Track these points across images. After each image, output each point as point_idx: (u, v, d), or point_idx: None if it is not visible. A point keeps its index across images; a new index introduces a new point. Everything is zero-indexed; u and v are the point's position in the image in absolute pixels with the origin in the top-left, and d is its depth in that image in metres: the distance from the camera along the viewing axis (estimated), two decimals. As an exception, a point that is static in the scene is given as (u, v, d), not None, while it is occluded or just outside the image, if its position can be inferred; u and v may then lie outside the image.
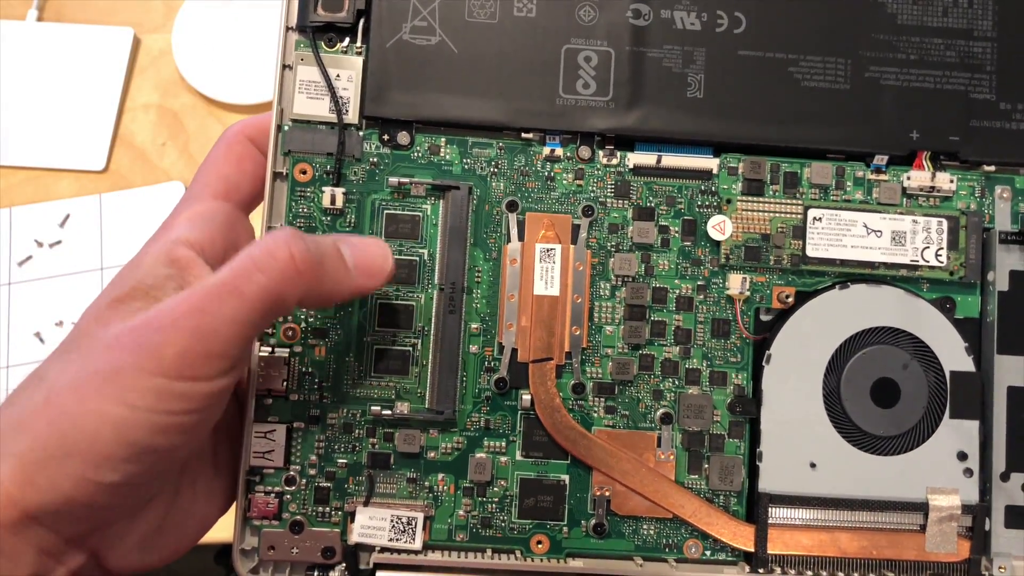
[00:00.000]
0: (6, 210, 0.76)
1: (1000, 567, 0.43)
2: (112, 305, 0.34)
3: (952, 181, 0.44)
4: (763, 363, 0.43)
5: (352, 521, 0.42)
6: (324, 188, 0.42)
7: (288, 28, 0.43)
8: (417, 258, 0.43)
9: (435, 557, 0.42)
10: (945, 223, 0.44)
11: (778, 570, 0.42)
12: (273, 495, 0.42)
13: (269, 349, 0.42)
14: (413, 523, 0.42)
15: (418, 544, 0.41)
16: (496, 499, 0.42)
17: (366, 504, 0.42)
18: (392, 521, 0.42)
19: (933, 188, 0.44)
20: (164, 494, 0.37)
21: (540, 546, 0.42)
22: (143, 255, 0.36)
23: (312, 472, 0.42)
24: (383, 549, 0.41)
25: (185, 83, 0.75)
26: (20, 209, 0.76)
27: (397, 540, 0.41)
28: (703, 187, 0.44)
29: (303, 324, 0.42)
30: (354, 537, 0.41)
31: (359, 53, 0.43)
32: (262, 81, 0.76)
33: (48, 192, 0.77)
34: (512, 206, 0.43)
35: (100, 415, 0.32)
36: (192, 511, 0.39)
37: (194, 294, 0.33)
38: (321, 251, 0.35)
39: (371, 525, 0.41)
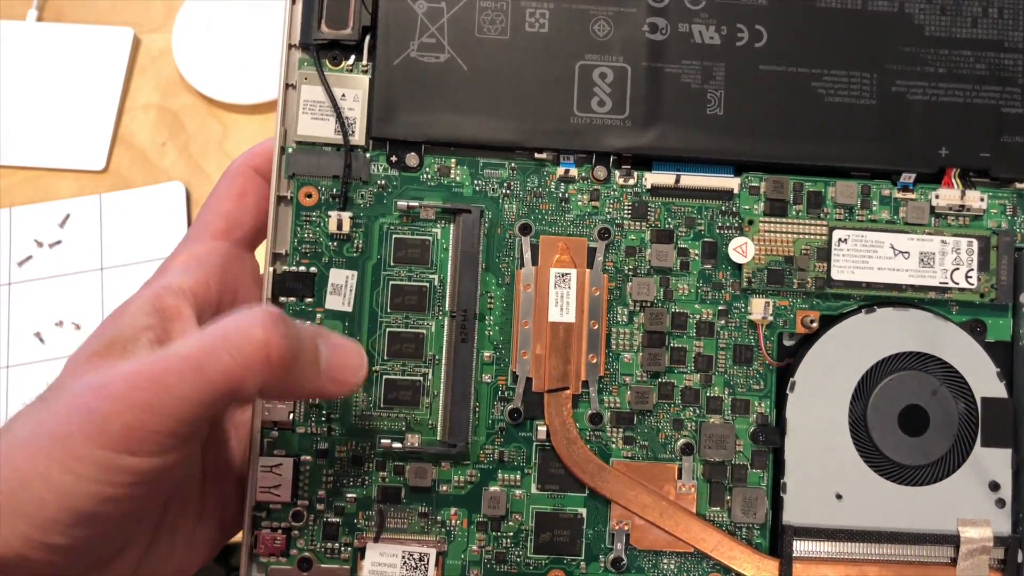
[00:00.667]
0: (6, 210, 0.76)
1: (1033, 599, 0.42)
2: (90, 358, 0.33)
3: (982, 199, 0.42)
4: (787, 391, 0.41)
5: (362, 558, 0.40)
6: (330, 212, 0.41)
7: (291, 46, 0.41)
8: (427, 284, 0.41)
9: (448, 595, 0.40)
10: (975, 243, 0.42)
11: (803, 605, 0.41)
12: (280, 531, 0.40)
13: (275, 380, 0.40)
14: (425, 559, 0.40)
15: (431, 581, 0.40)
16: (511, 533, 0.41)
17: (376, 540, 0.40)
18: (404, 557, 0.40)
19: (963, 207, 0.42)
20: (137, 545, 0.35)
21: (557, 582, 0.41)
22: (131, 301, 0.35)
23: (320, 507, 0.41)
24: (395, 587, 0.40)
25: (185, 83, 0.74)
26: (20, 209, 0.75)
27: (409, 577, 0.40)
28: (723, 208, 0.42)
29: (310, 354, 0.41)
30: (364, 574, 0.40)
31: (365, 71, 0.42)
32: (262, 81, 0.75)
33: (48, 192, 0.76)
34: (525, 229, 0.42)
35: (46, 479, 0.30)
36: (170, 560, 0.37)
37: (155, 364, 0.30)
38: (299, 345, 0.32)
39: (382, 562, 0.40)
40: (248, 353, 0.30)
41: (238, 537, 0.40)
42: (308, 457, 0.41)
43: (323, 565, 0.40)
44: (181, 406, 0.30)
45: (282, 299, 0.41)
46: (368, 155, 0.41)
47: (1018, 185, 0.43)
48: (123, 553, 0.35)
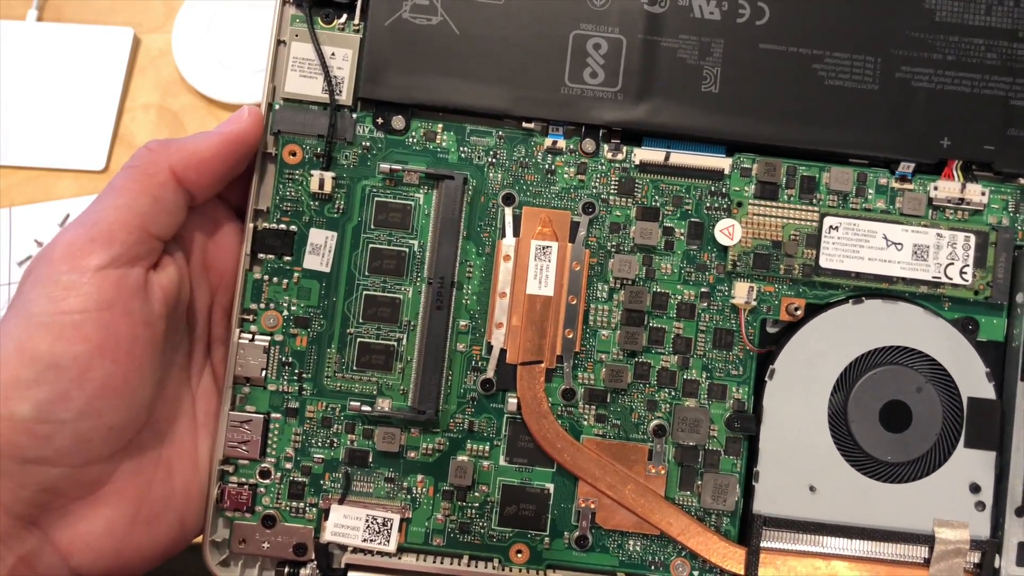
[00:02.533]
0: (6, 210, 0.76)
1: (1008, 607, 0.40)
2: None
3: (984, 193, 0.41)
4: (766, 378, 0.41)
5: (326, 519, 0.40)
6: (313, 172, 0.41)
7: (284, 1, 0.41)
8: (407, 249, 0.41)
9: (409, 561, 0.40)
10: (973, 238, 0.41)
11: (769, 596, 0.40)
12: (247, 487, 0.40)
13: (249, 336, 0.40)
14: (389, 524, 0.40)
15: (393, 546, 0.40)
16: (476, 504, 0.41)
17: (341, 502, 0.40)
18: (367, 521, 0.40)
19: (962, 200, 0.41)
20: (129, 485, 0.36)
21: (520, 556, 0.41)
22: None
23: (288, 466, 0.41)
24: (356, 549, 0.40)
25: (185, 83, 0.74)
26: (20, 209, 0.76)
27: (371, 541, 0.40)
28: (713, 188, 0.41)
29: (285, 313, 0.41)
30: (327, 535, 0.40)
31: (357, 31, 0.41)
32: (262, 81, 0.74)
33: (48, 192, 0.77)
34: (509, 199, 0.41)
35: (6, 335, 0.33)
36: (169, 505, 0.38)
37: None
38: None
39: (345, 524, 0.40)
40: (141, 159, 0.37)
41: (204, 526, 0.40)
42: (278, 415, 0.41)
43: (287, 523, 0.40)
44: (112, 214, 0.35)
45: (261, 256, 0.41)
46: (354, 116, 0.41)
47: (1022, 181, 0.41)
48: (115, 492, 0.36)
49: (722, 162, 0.41)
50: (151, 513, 0.37)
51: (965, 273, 0.41)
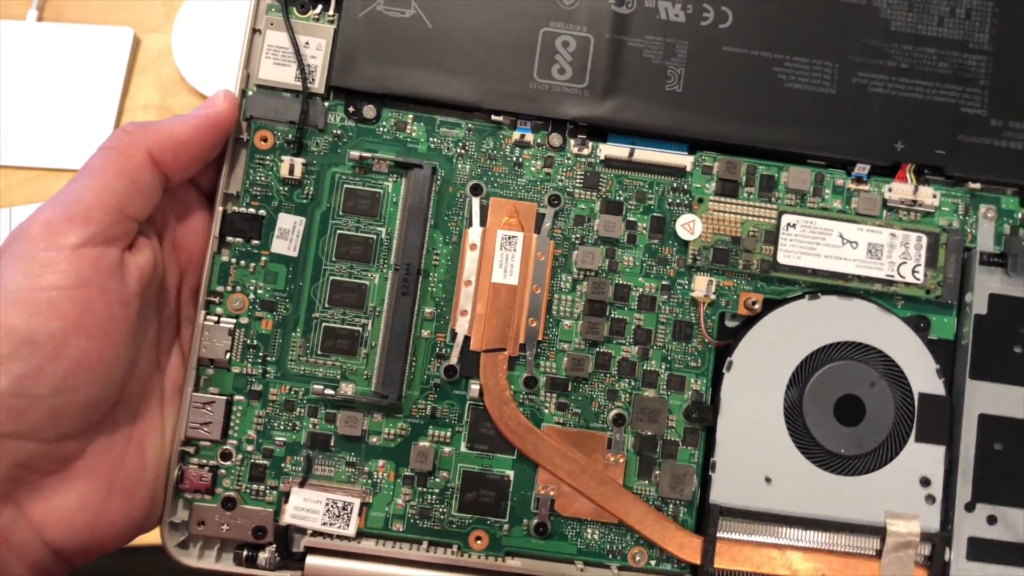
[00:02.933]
0: (6, 210, 0.76)
1: (958, 601, 0.41)
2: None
3: (935, 196, 0.42)
4: (724, 370, 0.41)
5: (286, 502, 0.40)
6: (283, 157, 0.41)
7: (261, -9, 0.42)
8: (374, 236, 0.42)
9: (369, 545, 0.40)
10: (924, 239, 0.42)
11: (724, 586, 0.41)
12: (207, 468, 0.40)
13: (215, 318, 0.41)
14: (349, 508, 0.40)
15: (352, 530, 0.40)
16: (437, 490, 0.41)
17: (302, 485, 0.40)
18: (327, 505, 0.40)
19: (915, 202, 0.42)
20: (102, 460, 0.36)
21: (479, 542, 0.41)
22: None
23: (249, 448, 0.41)
24: (316, 533, 0.40)
25: (185, 83, 0.75)
26: (20, 209, 0.75)
27: (331, 524, 0.40)
28: (675, 184, 0.42)
29: (251, 296, 0.41)
30: (286, 518, 0.40)
31: (331, 21, 0.42)
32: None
33: (48, 192, 0.76)
34: (476, 190, 0.42)
35: None
36: (142, 481, 0.38)
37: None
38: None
39: (305, 507, 0.40)
40: (117, 144, 0.37)
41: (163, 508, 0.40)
42: (241, 397, 0.41)
43: (247, 506, 0.40)
44: (89, 194, 0.36)
45: (229, 239, 0.41)
46: (326, 104, 0.42)
47: (972, 185, 0.43)
48: (88, 466, 0.36)
49: (684, 159, 0.42)
50: (124, 488, 0.37)
51: (917, 272, 0.42)
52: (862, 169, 0.42)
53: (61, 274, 0.34)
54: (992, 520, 0.42)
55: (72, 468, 0.36)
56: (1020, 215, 0.43)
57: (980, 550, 0.41)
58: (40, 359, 0.33)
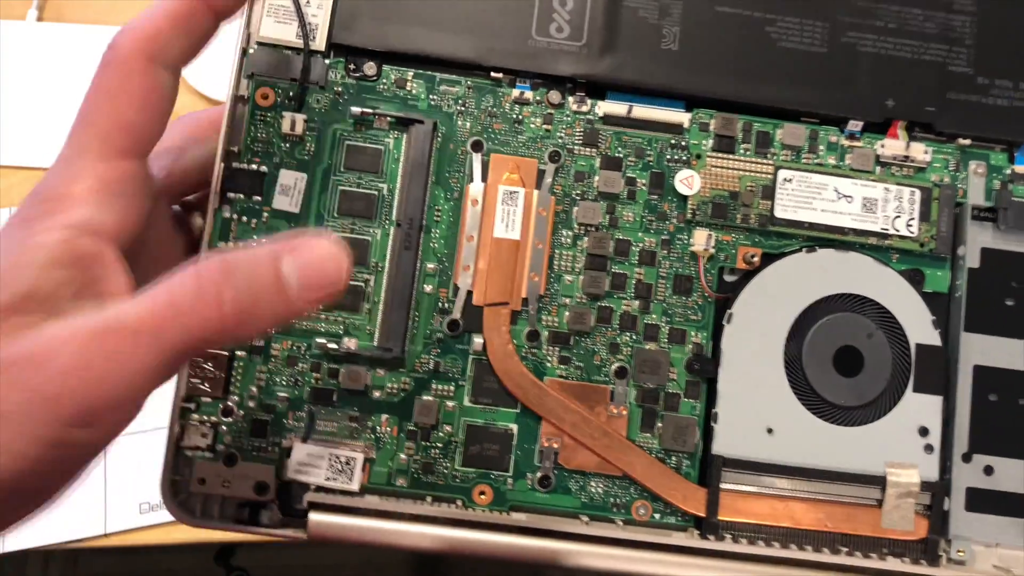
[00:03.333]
0: (6, 210, 0.75)
1: (959, 551, 0.41)
2: (4, 313, 0.27)
3: (927, 152, 0.43)
4: (724, 322, 0.42)
5: (288, 457, 0.40)
6: (285, 113, 0.41)
7: (261, -48, 0.42)
8: (376, 192, 0.42)
9: (372, 500, 0.40)
10: (918, 193, 0.43)
11: (728, 538, 0.41)
12: (208, 425, 0.40)
13: (216, 275, 0.40)
14: (352, 463, 0.40)
15: (355, 486, 0.40)
16: (440, 444, 0.41)
17: (304, 440, 0.40)
18: (330, 460, 0.40)
19: (907, 158, 0.43)
20: None
21: (483, 497, 0.41)
22: (31, 240, 0.29)
23: (251, 404, 0.40)
24: (319, 488, 0.40)
25: (185, 83, 0.75)
26: None
27: (334, 480, 0.40)
28: (673, 141, 0.43)
29: (253, 251, 0.41)
30: (289, 473, 0.40)
31: (332, -19, 0.42)
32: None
33: None
34: (477, 146, 0.42)
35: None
36: None
37: (105, 334, 0.27)
38: (255, 290, 0.29)
39: (308, 463, 0.40)
40: (203, 315, 0.28)
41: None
42: (243, 353, 0.41)
43: (248, 463, 0.40)
44: (138, 378, 0.28)
45: (231, 195, 0.41)
46: (327, 62, 0.42)
47: (961, 141, 0.44)
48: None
49: (682, 116, 0.43)
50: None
51: (911, 226, 0.43)
52: (855, 126, 0.43)
53: None
54: (989, 470, 0.42)
55: None
56: (1009, 171, 0.44)
57: (978, 500, 0.42)
58: None
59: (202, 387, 0.40)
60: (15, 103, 0.75)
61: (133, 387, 0.28)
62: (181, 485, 0.40)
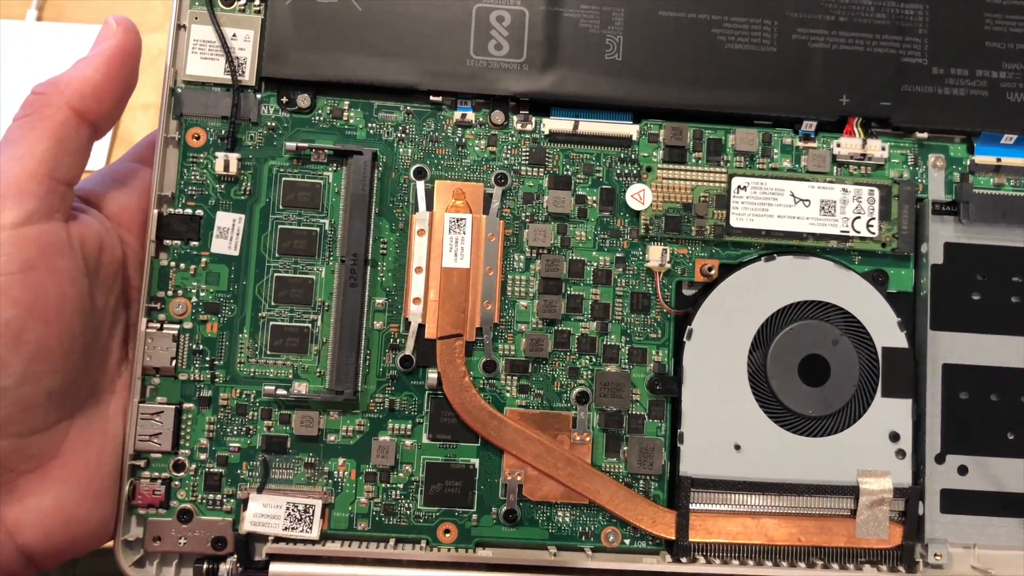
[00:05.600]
0: None
1: (936, 554, 0.41)
2: None
3: (884, 148, 0.42)
4: (684, 339, 0.41)
5: (245, 509, 0.39)
6: (217, 153, 0.40)
7: (182, -15, 0.41)
8: (317, 229, 0.40)
9: (334, 547, 0.39)
10: (877, 192, 0.42)
11: (701, 559, 0.40)
12: (160, 482, 0.39)
13: (157, 325, 0.39)
14: (311, 511, 0.39)
15: (315, 533, 0.39)
16: (401, 485, 0.40)
17: (260, 491, 0.39)
18: (288, 509, 0.39)
19: (864, 155, 0.42)
20: (79, 460, 0.35)
21: (448, 535, 0.40)
22: None
23: (202, 457, 0.39)
24: (278, 539, 0.39)
25: None
26: None
27: (293, 529, 0.39)
28: (622, 155, 0.42)
29: (194, 299, 0.39)
30: (246, 526, 0.39)
31: (258, 11, 0.41)
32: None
33: None
34: (420, 173, 0.41)
35: None
36: (118, 481, 0.38)
37: None
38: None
39: (265, 513, 0.39)
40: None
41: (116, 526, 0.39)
42: (191, 405, 0.39)
43: (204, 517, 0.39)
44: (15, 164, 0.33)
45: (167, 241, 0.40)
46: (258, 96, 0.40)
47: (919, 135, 0.42)
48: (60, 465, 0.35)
49: (629, 128, 0.41)
50: (100, 489, 0.37)
51: (872, 226, 0.42)
52: (809, 126, 0.42)
53: (5, 258, 0.32)
54: (963, 470, 0.41)
55: (47, 468, 0.35)
56: (968, 162, 0.43)
57: (953, 501, 0.41)
58: (0, 350, 0.32)
59: (151, 443, 0.39)
60: (15, 103, 0.74)
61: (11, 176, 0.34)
62: (136, 544, 0.39)
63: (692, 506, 0.40)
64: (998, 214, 0.42)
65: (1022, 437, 0.41)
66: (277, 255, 0.40)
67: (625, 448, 0.40)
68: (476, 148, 0.41)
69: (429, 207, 0.41)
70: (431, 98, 0.41)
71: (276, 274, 0.40)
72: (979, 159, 0.42)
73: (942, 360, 0.41)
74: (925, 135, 0.42)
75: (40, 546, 0.35)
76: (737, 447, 0.40)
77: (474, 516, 0.40)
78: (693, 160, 0.42)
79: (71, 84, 0.35)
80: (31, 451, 0.34)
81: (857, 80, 0.42)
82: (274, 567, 0.38)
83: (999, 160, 0.42)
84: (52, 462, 0.35)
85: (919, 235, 0.42)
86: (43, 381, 0.33)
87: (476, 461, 0.40)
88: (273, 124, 0.40)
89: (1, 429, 0.33)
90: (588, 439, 0.40)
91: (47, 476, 0.35)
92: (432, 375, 0.40)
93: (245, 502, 0.39)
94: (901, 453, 0.41)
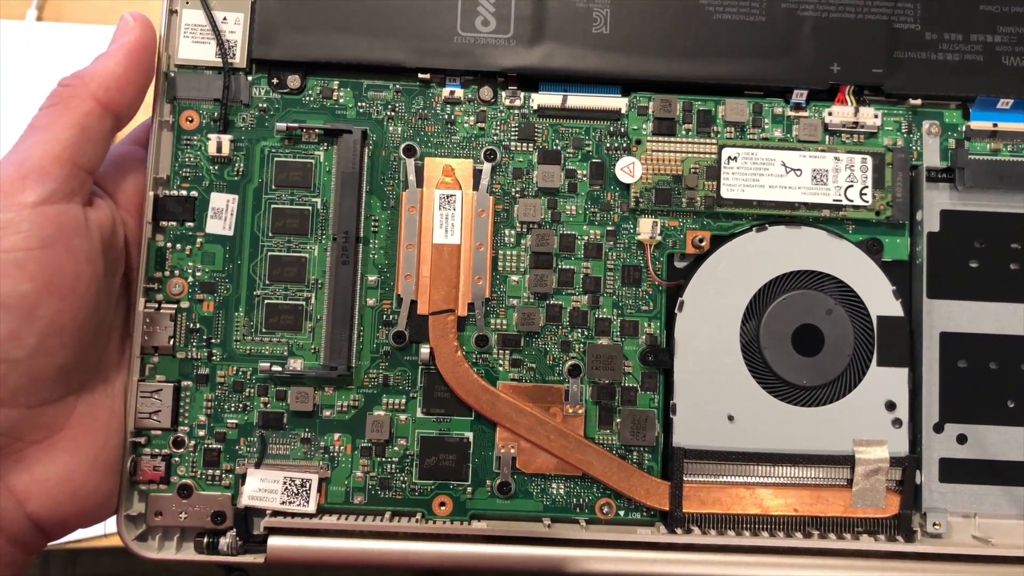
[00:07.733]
0: None
1: (935, 524, 0.40)
2: None
3: (877, 116, 0.42)
4: (676, 311, 0.41)
5: (243, 484, 0.39)
6: (210, 136, 0.40)
7: (173, -30, 0.41)
8: (310, 208, 0.41)
9: (331, 520, 0.39)
10: (870, 160, 0.41)
11: (696, 530, 0.40)
12: (160, 458, 0.40)
13: (155, 305, 0.40)
14: (307, 485, 0.40)
15: (312, 507, 0.39)
16: (396, 459, 0.40)
17: (258, 466, 0.40)
18: (285, 483, 0.39)
19: (857, 124, 0.42)
20: (86, 432, 0.37)
21: (443, 508, 0.40)
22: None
23: (201, 433, 0.40)
24: (275, 513, 0.39)
25: None
26: None
27: (290, 503, 0.39)
28: (611, 128, 0.42)
29: (190, 279, 0.40)
30: (244, 500, 0.39)
31: (247, -6, 0.41)
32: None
33: None
34: (409, 151, 0.41)
35: None
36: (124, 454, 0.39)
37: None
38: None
39: (263, 488, 0.39)
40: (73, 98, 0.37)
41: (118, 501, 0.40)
42: (188, 383, 0.40)
43: (203, 492, 0.40)
44: (40, 148, 0.35)
45: (163, 223, 0.40)
46: (250, 78, 0.41)
47: (912, 101, 0.42)
48: (66, 436, 0.36)
49: (618, 102, 0.41)
50: (107, 463, 0.38)
51: (865, 194, 0.41)
52: (800, 96, 0.42)
53: (25, 234, 0.34)
54: (962, 439, 0.41)
55: (55, 439, 0.36)
56: (964, 128, 0.42)
57: (952, 470, 0.41)
58: (15, 322, 0.33)
59: (151, 420, 0.39)
60: (15, 103, 0.75)
61: (35, 159, 0.35)
62: (138, 519, 0.40)
63: (686, 477, 0.40)
64: (995, 179, 0.41)
65: (1022, 405, 0.41)
66: (271, 234, 0.41)
67: (618, 420, 0.41)
68: (465, 125, 0.41)
69: (419, 184, 0.41)
70: (419, 76, 0.41)
71: (270, 253, 0.40)
72: (975, 124, 0.42)
73: (940, 328, 0.41)
74: (919, 102, 0.42)
75: (49, 515, 0.36)
76: (731, 418, 0.40)
77: (469, 489, 0.40)
78: (683, 132, 0.42)
79: (96, 77, 0.37)
80: (39, 421, 0.35)
81: (848, 48, 0.41)
82: (272, 540, 0.39)
83: (995, 125, 0.42)
84: (60, 434, 0.36)
85: (914, 203, 0.42)
86: (55, 355, 0.34)
87: (470, 435, 0.40)
88: (264, 105, 0.41)
89: (12, 399, 0.34)
90: (581, 411, 0.40)
91: (55, 447, 0.36)
92: (425, 350, 0.40)
93: (243, 477, 0.40)
94: (898, 422, 0.41)
